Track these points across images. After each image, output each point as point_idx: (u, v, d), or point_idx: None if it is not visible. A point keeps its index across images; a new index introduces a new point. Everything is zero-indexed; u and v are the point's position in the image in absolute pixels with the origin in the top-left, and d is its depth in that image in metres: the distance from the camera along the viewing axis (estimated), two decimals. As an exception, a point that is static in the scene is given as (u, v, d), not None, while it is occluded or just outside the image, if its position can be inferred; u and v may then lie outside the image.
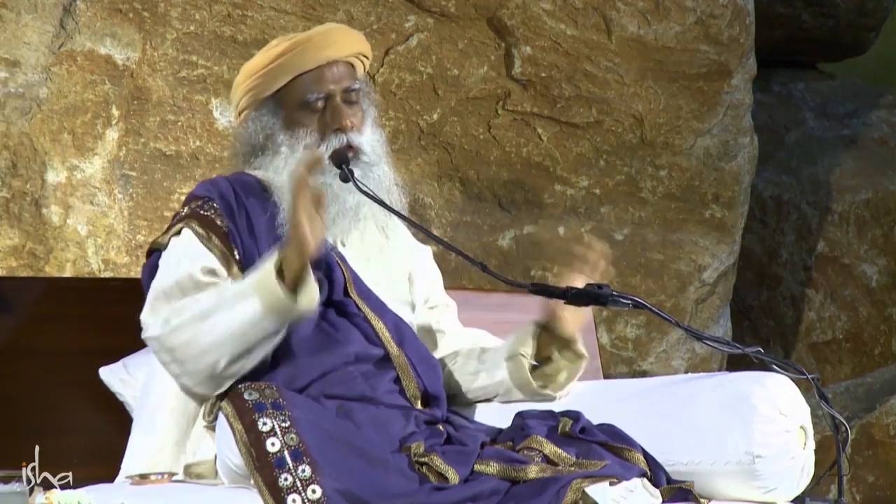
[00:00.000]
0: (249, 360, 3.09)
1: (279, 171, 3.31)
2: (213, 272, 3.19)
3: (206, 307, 3.08)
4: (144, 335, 3.17)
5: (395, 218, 3.42)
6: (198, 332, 3.08)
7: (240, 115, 3.40)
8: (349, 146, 3.31)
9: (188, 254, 3.22)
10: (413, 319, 3.43)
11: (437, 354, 3.48)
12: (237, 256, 3.23)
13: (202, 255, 3.21)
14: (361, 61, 3.42)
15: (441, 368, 3.44)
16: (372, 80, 3.51)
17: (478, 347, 3.49)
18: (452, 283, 3.68)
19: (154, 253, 3.30)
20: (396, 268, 3.45)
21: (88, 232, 4.44)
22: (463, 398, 3.49)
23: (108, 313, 3.52)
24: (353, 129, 3.32)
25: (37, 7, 4.37)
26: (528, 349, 3.38)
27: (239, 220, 3.27)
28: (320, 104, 3.33)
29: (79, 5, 4.42)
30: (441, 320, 3.53)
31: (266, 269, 3.03)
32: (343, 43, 3.36)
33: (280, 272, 3.03)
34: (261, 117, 3.36)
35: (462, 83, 4.98)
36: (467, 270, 4.84)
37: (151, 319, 3.15)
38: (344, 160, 3.28)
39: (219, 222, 3.26)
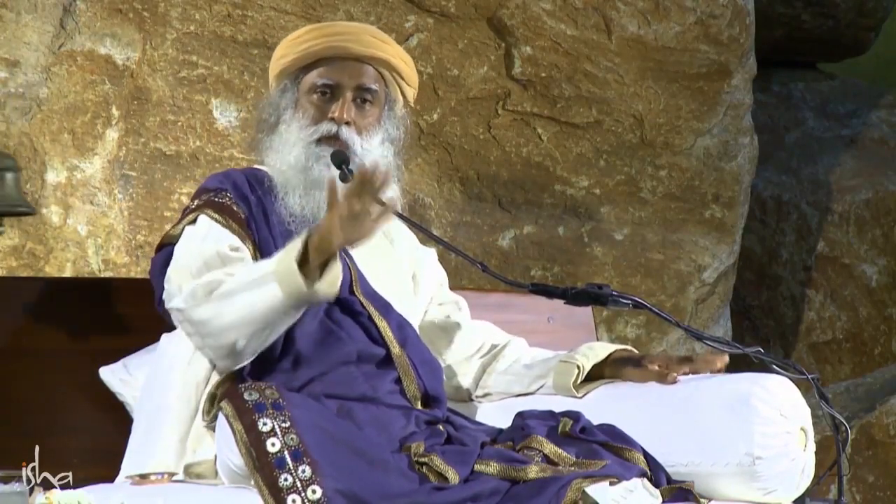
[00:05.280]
0: (270, 337, 3.09)
1: (275, 150, 3.31)
2: (237, 249, 3.19)
3: (231, 287, 3.06)
4: (169, 305, 3.16)
5: (397, 222, 3.42)
6: (221, 310, 3.07)
7: (271, 87, 3.42)
8: (336, 137, 3.29)
9: (210, 235, 3.21)
10: (416, 320, 3.43)
11: (457, 347, 3.49)
12: (253, 243, 3.23)
13: (224, 236, 3.21)
14: (394, 78, 3.38)
15: (469, 366, 3.47)
16: (409, 110, 3.47)
17: (527, 359, 3.50)
18: (452, 283, 3.68)
19: (166, 247, 3.29)
20: (400, 270, 3.45)
21: (88, 232, 4.44)
22: (492, 397, 3.51)
23: (108, 313, 3.52)
24: (352, 127, 3.30)
25: (37, 7, 4.37)
26: (587, 361, 3.39)
27: (255, 210, 3.27)
28: (328, 92, 3.32)
29: (79, 5, 4.43)
30: (452, 314, 3.53)
31: (289, 256, 2.99)
32: (372, 44, 3.34)
33: (304, 257, 2.99)
34: (280, 92, 3.37)
35: (462, 83, 4.98)
36: (467, 270, 4.84)
37: (176, 291, 3.14)
38: (344, 160, 3.28)
39: (235, 208, 3.26)
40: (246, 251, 3.20)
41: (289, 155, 3.29)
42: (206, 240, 3.20)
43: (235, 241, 3.21)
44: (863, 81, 7.21)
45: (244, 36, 4.63)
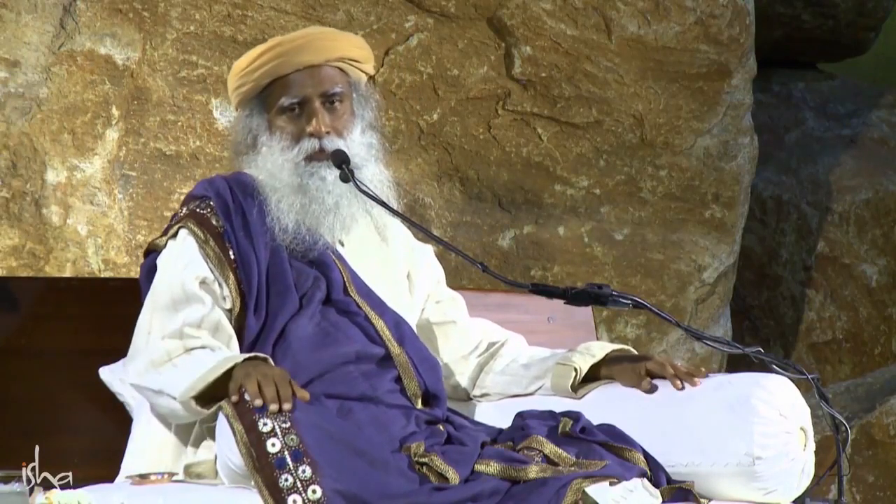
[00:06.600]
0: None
1: (261, 169, 3.33)
2: (204, 281, 3.21)
3: (160, 387, 3.12)
4: (123, 373, 3.25)
5: (391, 220, 3.42)
6: (155, 402, 3.16)
7: (236, 111, 3.44)
8: (321, 150, 3.31)
9: (182, 262, 3.24)
10: (413, 319, 3.43)
11: (454, 346, 3.49)
12: (232, 256, 3.25)
13: (194, 263, 3.23)
14: (352, 66, 3.39)
15: (467, 364, 3.47)
16: (372, 81, 3.49)
17: (524, 359, 3.49)
18: (452, 283, 3.68)
19: (152, 253, 3.32)
20: (395, 267, 3.45)
21: (88, 232, 4.44)
22: (490, 397, 3.50)
23: (108, 313, 3.52)
24: (332, 134, 3.31)
25: (37, 7, 4.37)
26: (584, 363, 3.38)
27: (235, 220, 3.29)
28: (297, 109, 3.33)
29: (79, 5, 4.43)
30: (449, 311, 3.53)
31: (189, 391, 3.04)
32: (323, 48, 3.34)
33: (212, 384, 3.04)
34: (247, 118, 3.38)
35: (462, 83, 4.98)
36: (467, 270, 4.84)
37: (144, 333, 3.21)
38: (344, 160, 3.29)
39: (214, 221, 3.28)
40: (212, 280, 3.22)
41: (281, 172, 3.31)
42: (176, 270, 3.23)
43: (203, 269, 3.23)
44: (863, 81, 7.21)
45: (244, 36, 4.63)
